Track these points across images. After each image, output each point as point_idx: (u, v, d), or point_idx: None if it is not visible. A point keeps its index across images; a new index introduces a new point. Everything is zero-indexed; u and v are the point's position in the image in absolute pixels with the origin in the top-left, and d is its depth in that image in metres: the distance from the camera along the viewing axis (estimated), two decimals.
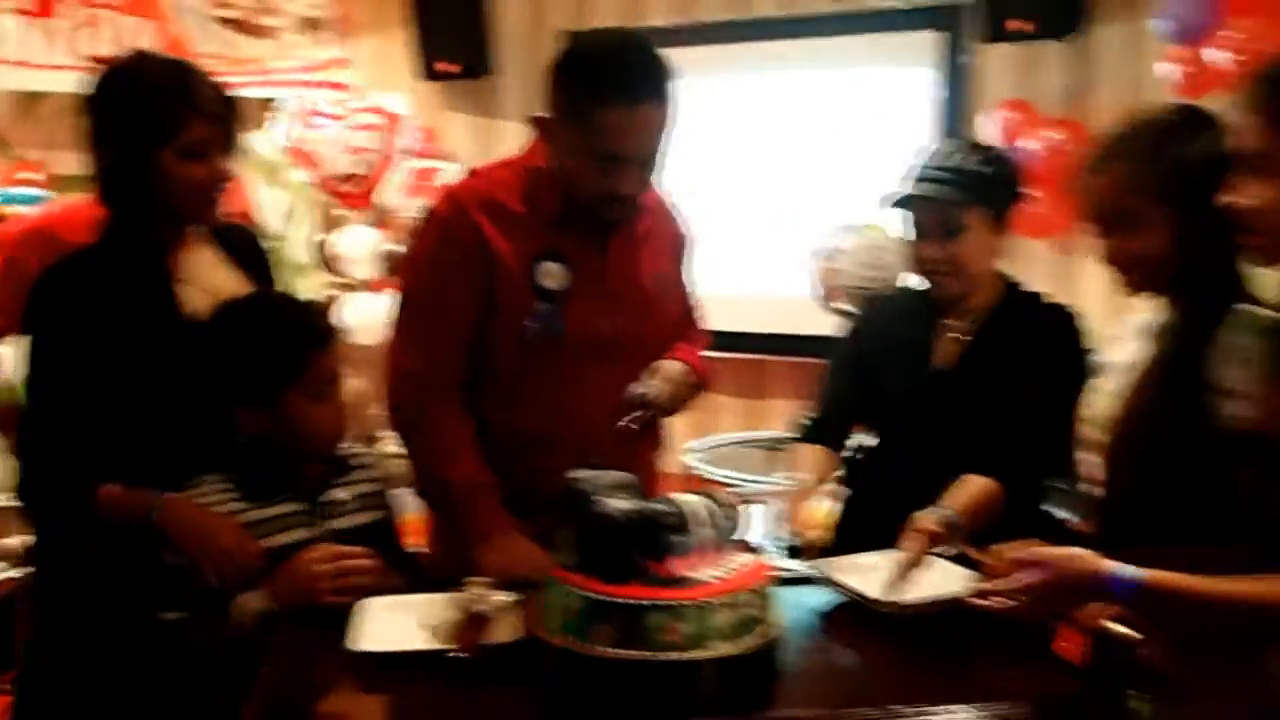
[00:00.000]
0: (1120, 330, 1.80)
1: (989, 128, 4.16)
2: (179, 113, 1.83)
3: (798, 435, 2.21)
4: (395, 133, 4.57)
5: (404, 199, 4.51)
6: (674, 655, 1.39)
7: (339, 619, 1.65)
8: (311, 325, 1.92)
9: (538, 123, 1.96)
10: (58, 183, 4.26)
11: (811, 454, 2.14)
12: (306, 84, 4.65)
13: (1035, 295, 2.13)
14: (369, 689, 1.55)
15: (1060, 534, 1.78)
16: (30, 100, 4.34)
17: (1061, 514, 1.98)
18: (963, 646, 1.60)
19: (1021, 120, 4.17)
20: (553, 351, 1.97)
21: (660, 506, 1.48)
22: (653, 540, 1.44)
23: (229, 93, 1.92)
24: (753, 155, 4.61)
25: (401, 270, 2.13)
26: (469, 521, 1.93)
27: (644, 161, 1.90)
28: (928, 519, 1.82)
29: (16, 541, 3.56)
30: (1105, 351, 1.84)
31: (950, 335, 2.08)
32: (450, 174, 4.56)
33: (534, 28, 4.89)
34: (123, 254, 1.90)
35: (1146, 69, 3.98)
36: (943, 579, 1.73)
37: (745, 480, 3.60)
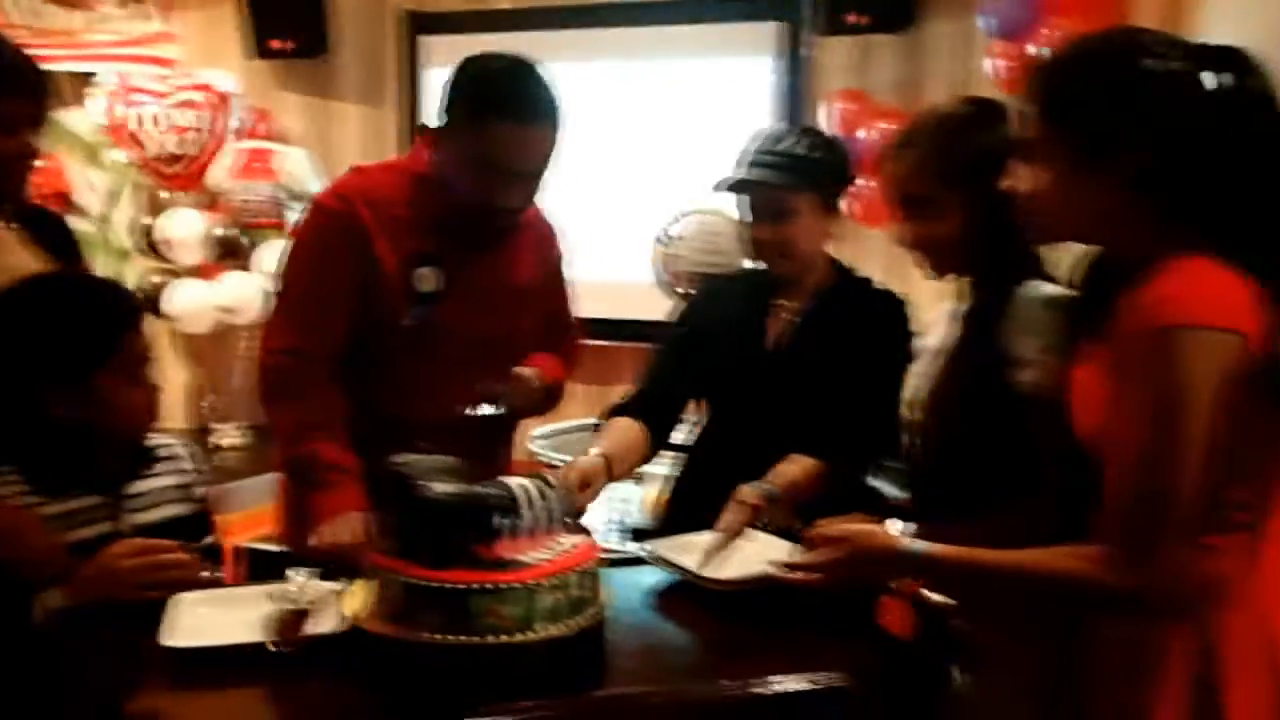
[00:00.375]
0: (937, 315, 1.87)
1: (826, 117, 4.25)
2: None
3: (610, 411, 2.19)
4: (223, 112, 4.39)
5: (234, 181, 4.34)
6: (500, 639, 1.36)
7: (154, 615, 1.56)
8: (122, 303, 1.85)
9: (427, 131, 2.04)
10: None
11: (618, 427, 2.10)
12: (127, 59, 4.42)
13: (865, 280, 2.18)
14: (186, 686, 1.46)
15: (886, 510, 1.82)
16: None
17: (889, 490, 2.03)
18: (790, 620, 1.62)
19: (857, 110, 4.27)
20: (427, 346, 2.04)
21: (484, 489, 1.44)
22: (476, 523, 1.40)
23: (39, 65, 1.82)
24: (597, 141, 4.59)
25: (284, 258, 2.15)
26: (321, 497, 1.92)
27: (528, 178, 2.00)
28: (748, 492, 1.85)
29: None
30: (924, 336, 1.89)
31: (782, 316, 2.11)
32: (286, 156, 4.41)
33: (372, 6, 4.77)
34: None
35: (974, 63, 4.13)
36: (772, 555, 1.75)
37: None
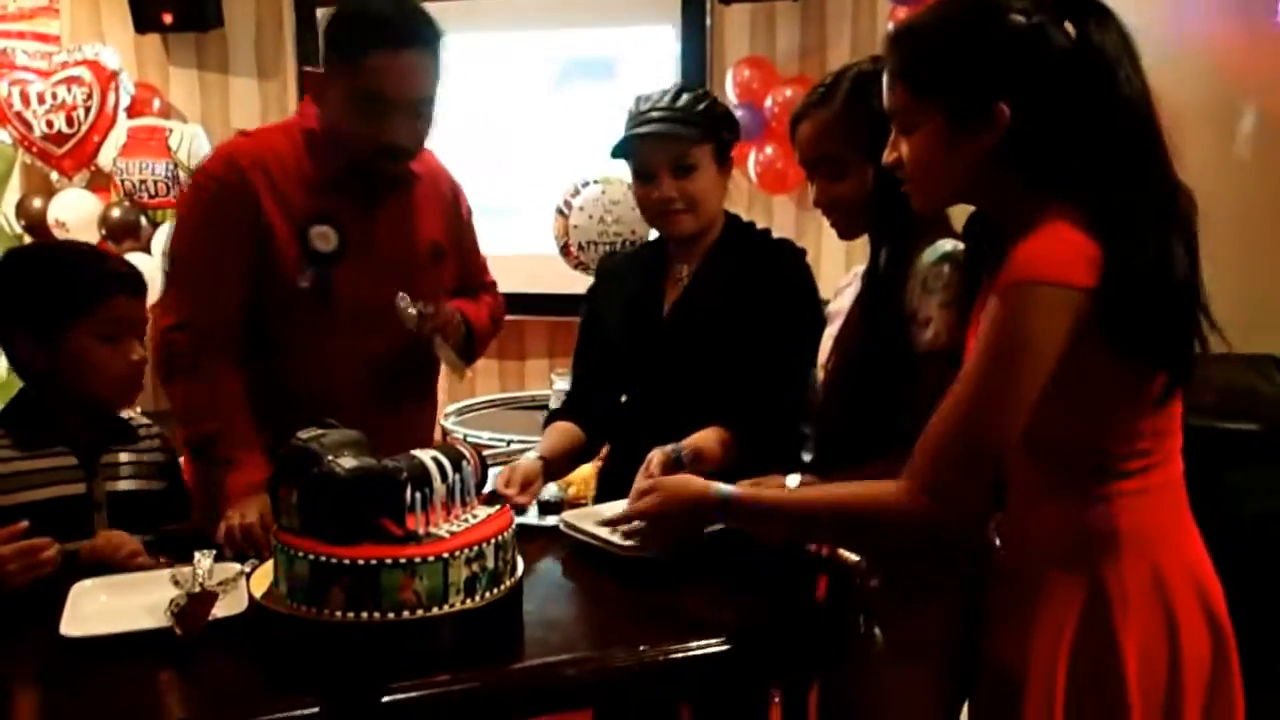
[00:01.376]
0: (848, 278, 1.89)
1: (730, 85, 4.26)
2: None
3: (548, 417, 2.18)
4: (111, 89, 4.24)
5: (126, 160, 4.20)
6: (416, 614, 1.34)
7: (52, 603, 1.52)
8: (107, 269, 1.88)
9: (308, 77, 2.00)
10: None
11: (555, 430, 2.11)
12: (7, 34, 4.25)
13: (760, 232, 2.13)
14: (88, 675, 1.42)
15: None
16: None
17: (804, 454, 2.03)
18: (702, 585, 1.64)
19: (761, 78, 4.28)
20: (323, 313, 1.99)
21: (394, 463, 1.42)
22: (385, 497, 1.38)
23: None
24: (500, 112, 4.55)
25: (173, 232, 2.14)
26: (225, 476, 1.90)
27: (412, 109, 1.94)
28: (656, 457, 1.84)
29: None
30: (835, 299, 1.90)
31: (679, 282, 2.07)
32: (181, 133, 4.29)
33: None
34: None
35: (874, 27, 4.18)
36: None
37: (504, 440, 3.57)
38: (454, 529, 1.42)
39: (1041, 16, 1.31)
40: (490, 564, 1.41)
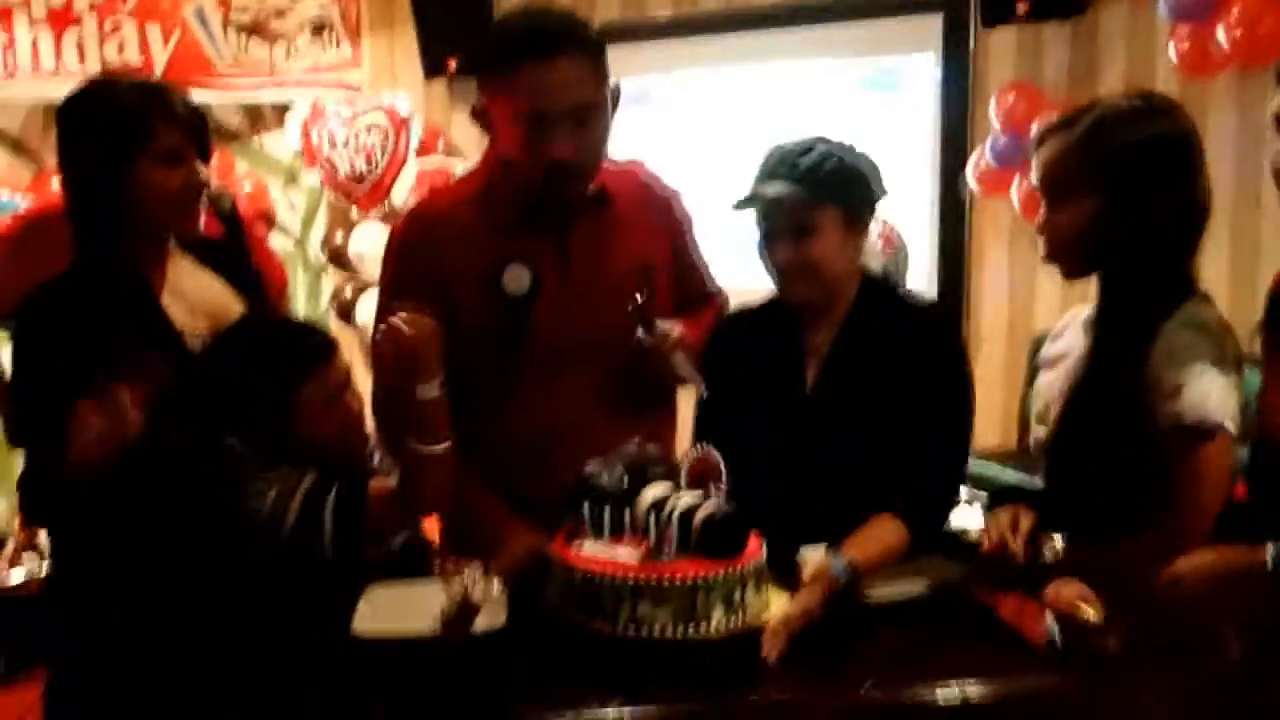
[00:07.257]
0: (1066, 319, 1.85)
1: (995, 112, 4.17)
2: (150, 120, 1.81)
3: None
4: (404, 132, 4.63)
5: (414, 198, 4.57)
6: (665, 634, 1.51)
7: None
8: (304, 348, 1.84)
9: (474, 114, 1.95)
10: None
11: None
12: (317, 85, 4.72)
13: (898, 295, 2.00)
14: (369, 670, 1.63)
15: (959, 550, 1.81)
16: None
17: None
18: (924, 631, 1.65)
19: (1027, 104, 4.16)
20: (523, 357, 1.95)
21: (605, 480, 1.63)
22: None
23: (192, 101, 1.89)
24: (758, 148, 4.59)
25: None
26: (477, 532, 1.96)
27: (572, 119, 1.85)
28: (817, 569, 1.67)
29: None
30: (1052, 342, 1.86)
31: (817, 350, 1.93)
32: (460, 171, 4.62)
33: None
34: (103, 274, 1.82)
35: (1152, 49, 3.98)
36: (927, 571, 1.77)
37: None
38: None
39: None
40: (741, 594, 1.54)
